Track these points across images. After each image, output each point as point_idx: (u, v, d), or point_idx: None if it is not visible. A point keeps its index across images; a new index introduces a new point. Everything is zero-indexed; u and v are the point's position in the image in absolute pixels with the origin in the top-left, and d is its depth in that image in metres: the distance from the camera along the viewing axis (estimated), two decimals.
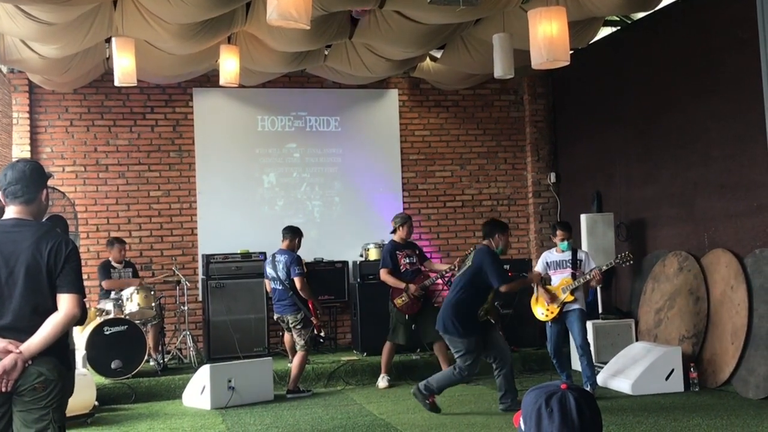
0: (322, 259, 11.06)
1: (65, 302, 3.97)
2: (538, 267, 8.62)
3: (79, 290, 4.04)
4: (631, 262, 8.51)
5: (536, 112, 12.21)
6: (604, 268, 8.50)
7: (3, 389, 3.82)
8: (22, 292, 3.95)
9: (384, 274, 9.26)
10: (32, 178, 4.14)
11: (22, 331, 3.93)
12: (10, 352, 3.83)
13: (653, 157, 9.93)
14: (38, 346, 3.89)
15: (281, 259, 8.94)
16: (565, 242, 8.49)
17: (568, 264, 8.42)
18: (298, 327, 8.82)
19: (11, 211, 4.11)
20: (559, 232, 8.57)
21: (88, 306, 9.69)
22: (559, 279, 8.38)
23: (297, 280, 8.74)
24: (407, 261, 9.25)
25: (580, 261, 8.44)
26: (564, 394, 1.99)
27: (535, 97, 12.22)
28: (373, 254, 10.82)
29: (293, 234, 9.10)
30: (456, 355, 7.68)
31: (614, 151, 10.71)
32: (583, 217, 10.24)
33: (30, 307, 3.96)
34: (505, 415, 7.60)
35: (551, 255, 8.59)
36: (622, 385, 8.41)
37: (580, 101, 11.64)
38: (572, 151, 11.87)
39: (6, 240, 4.02)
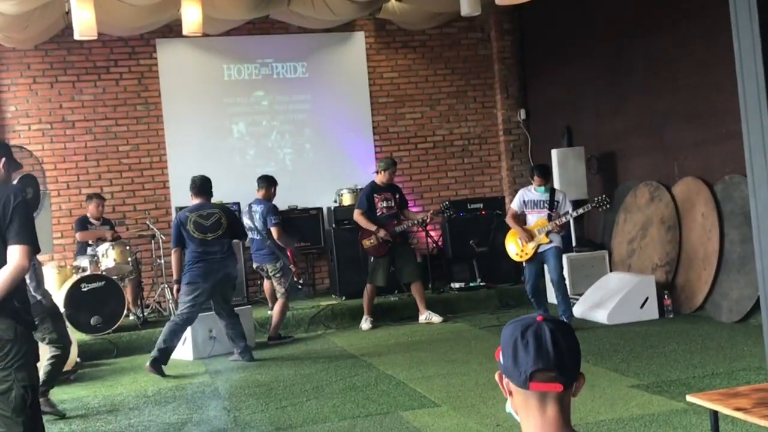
0: (297, 206, 11.05)
1: (13, 254, 3.91)
2: (514, 204, 8.63)
3: (28, 241, 3.96)
4: (608, 206, 8.55)
5: (504, 48, 12.15)
6: (581, 211, 8.54)
7: None
8: None
9: (357, 215, 9.29)
10: None
11: None
12: None
13: (621, 89, 9.95)
14: None
15: (257, 209, 8.92)
16: (542, 187, 8.49)
17: (545, 204, 8.42)
18: (278, 275, 8.85)
19: None
20: (536, 178, 8.50)
21: (63, 264, 9.67)
22: (536, 219, 8.40)
23: (274, 230, 8.74)
24: (384, 204, 9.28)
25: (557, 202, 8.45)
26: (539, 326, 2.01)
27: (503, 33, 12.15)
28: (347, 199, 10.83)
29: (268, 183, 9.07)
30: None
31: (583, 84, 10.72)
32: (554, 152, 10.29)
33: None
34: (485, 350, 7.71)
35: (528, 193, 8.57)
36: (598, 315, 8.55)
37: (547, 36, 11.59)
38: (541, 87, 11.86)
39: None
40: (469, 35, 12.19)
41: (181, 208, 10.36)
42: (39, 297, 6.13)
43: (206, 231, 7.82)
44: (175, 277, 8.02)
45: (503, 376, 2.07)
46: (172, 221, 8.88)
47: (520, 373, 1.98)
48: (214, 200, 10.46)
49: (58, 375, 6.51)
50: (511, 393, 2.06)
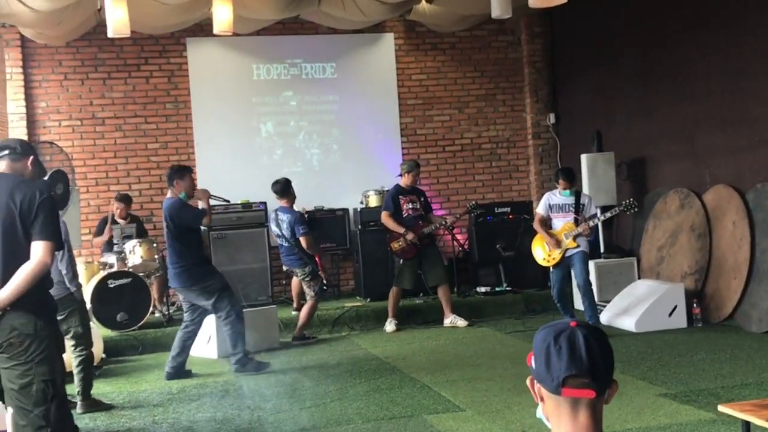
0: (323, 207, 11.04)
1: (36, 250, 3.95)
2: (540, 209, 8.57)
3: (51, 238, 4.00)
4: (636, 209, 8.47)
5: (534, 52, 12.07)
6: (609, 214, 8.46)
7: None
8: (1, 243, 3.95)
9: (384, 217, 9.27)
10: (22, 143, 4.31)
11: (0, 281, 3.93)
12: None
13: (653, 94, 9.85)
14: (10, 295, 3.88)
15: (284, 218, 8.85)
16: (567, 191, 8.41)
17: (571, 208, 8.36)
18: (307, 279, 8.84)
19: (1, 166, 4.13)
20: (561, 181, 8.42)
21: (91, 260, 9.73)
22: (562, 223, 8.34)
23: (303, 240, 8.68)
24: (410, 206, 9.26)
25: (583, 205, 8.38)
26: (573, 332, 1.98)
27: (533, 36, 12.08)
28: (374, 201, 10.80)
29: (286, 189, 8.90)
30: (213, 303, 7.53)
31: (614, 89, 10.63)
32: (583, 157, 10.20)
33: (6, 257, 3.95)
34: (511, 356, 7.65)
35: (554, 197, 8.52)
36: (626, 323, 8.45)
37: (578, 40, 11.51)
38: (571, 91, 11.77)
39: None
40: (500, 38, 12.13)
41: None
42: (73, 289, 6.17)
43: None
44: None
45: (535, 381, 2.04)
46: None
47: (553, 378, 1.95)
48: (240, 200, 10.56)
49: (92, 376, 6.54)
50: (542, 399, 2.03)
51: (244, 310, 8.94)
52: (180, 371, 7.49)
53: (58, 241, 4.10)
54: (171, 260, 7.56)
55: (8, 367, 3.96)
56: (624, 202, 8.43)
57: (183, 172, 7.68)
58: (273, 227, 9.03)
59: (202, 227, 8.11)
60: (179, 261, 7.46)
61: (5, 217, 3.97)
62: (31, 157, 4.31)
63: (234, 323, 7.48)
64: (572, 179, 8.51)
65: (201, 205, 7.62)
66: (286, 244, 8.87)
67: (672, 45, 9.42)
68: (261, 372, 7.43)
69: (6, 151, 4.19)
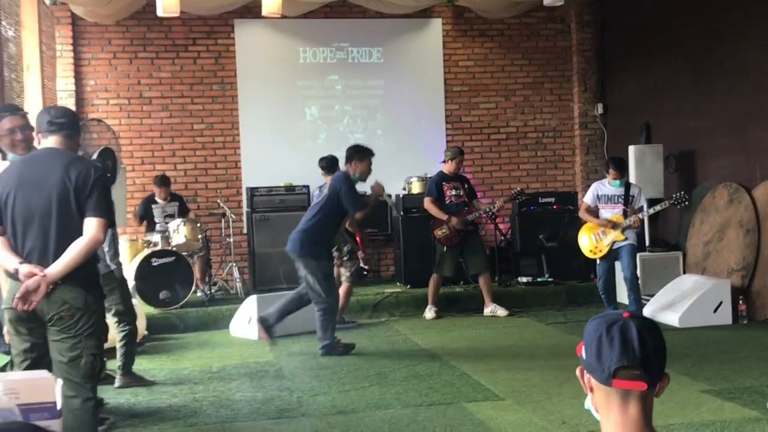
0: (365, 192, 10.99)
1: (89, 226, 4.01)
2: (588, 198, 8.45)
3: (105, 215, 4.06)
4: (687, 203, 8.31)
5: (584, 41, 11.92)
6: (658, 208, 8.32)
7: (23, 308, 3.88)
8: (53, 217, 4.02)
9: (427, 203, 9.24)
10: (75, 119, 4.34)
11: (51, 255, 3.99)
12: (35, 275, 3.89)
13: (704, 86, 9.68)
14: (62, 269, 3.94)
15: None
16: (617, 181, 8.28)
17: (620, 199, 8.22)
18: (344, 259, 8.84)
19: (49, 142, 4.18)
20: (611, 171, 8.27)
21: (135, 238, 9.83)
22: (609, 214, 8.22)
23: None
24: (453, 193, 9.21)
25: (633, 197, 8.24)
26: (626, 323, 1.95)
27: (583, 25, 11.92)
28: (416, 187, 10.76)
29: (332, 166, 8.98)
30: (313, 283, 7.45)
31: (664, 80, 10.46)
32: (631, 149, 10.06)
33: (60, 232, 4.01)
34: (551, 347, 7.59)
35: (602, 187, 8.38)
36: (670, 318, 8.33)
37: (629, 29, 11.33)
38: (621, 82, 11.61)
39: (39, 167, 4.09)
40: (549, 26, 11.99)
41: (252, 189, 10.47)
42: (113, 267, 6.23)
43: None
44: None
45: (584, 371, 2.00)
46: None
47: (604, 369, 1.92)
48: (283, 183, 10.58)
49: (134, 351, 6.61)
50: (592, 389, 2.00)
51: (284, 292, 9.03)
52: (271, 320, 7.63)
53: (111, 219, 4.17)
54: (301, 224, 7.58)
55: (58, 340, 4.03)
56: (674, 196, 8.27)
57: (364, 154, 7.70)
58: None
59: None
60: (308, 230, 7.47)
61: (60, 193, 4.02)
62: (81, 135, 4.37)
63: (326, 312, 7.44)
64: (623, 169, 8.37)
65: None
66: None
67: (726, 36, 9.23)
68: (347, 354, 7.43)
69: (63, 128, 4.19)
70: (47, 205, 4.00)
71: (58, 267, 3.93)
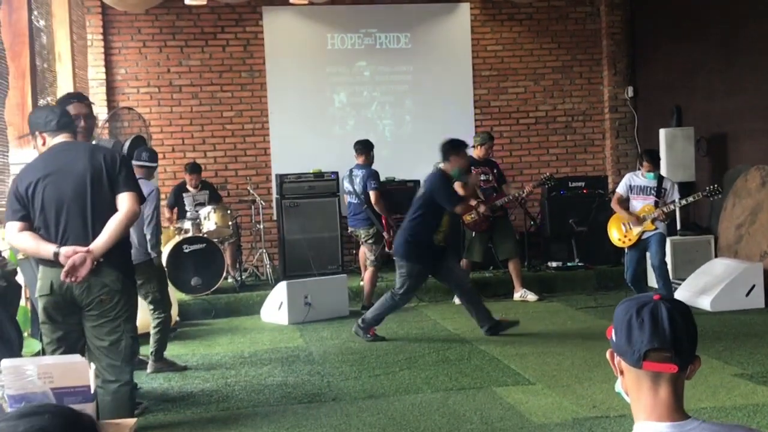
0: (394, 178, 11.02)
1: (124, 200, 4.13)
2: (620, 189, 8.33)
3: (137, 189, 4.21)
4: (720, 195, 8.19)
5: (613, 23, 11.81)
6: (691, 199, 8.18)
7: (71, 281, 3.94)
8: (87, 199, 4.11)
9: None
10: (68, 117, 4.40)
11: (90, 236, 4.07)
12: (78, 253, 3.95)
13: (736, 68, 9.56)
14: (105, 243, 4.03)
15: (358, 173, 8.97)
16: (651, 174, 8.18)
17: (653, 191, 8.12)
18: (370, 242, 8.88)
19: (60, 137, 4.26)
20: (645, 164, 8.17)
21: (167, 225, 9.93)
22: (641, 205, 8.14)
23: (372, 194, 8.78)
24: (482, 178, 9.18)
25: (665, 190, 8.14)
26: (656, 305, 1.94)
27: (612, 8, 11.81)
28: None
29: (367, 147, 9.10)
30: (399, 278, 7.37)
31: (695, 63, 10.34)
32: (662, 132, 9.98)
33: (96, 213, 4.10)
34: (581, 331, 7.58)
35: (636, 179, 8.27)
36: (702, 302, 8.27)
37: (659, 11, 11.21)
38: (651, 64, 11.49)
39: (63, 157, 4.19)
40: (578, 9, 11.90)
41: (281, 176, 10.52)
42: (153, 255, 6.30)
43: None
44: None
45: (614, 354, 2.00)
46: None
47: (634, 351, 1.91)
48: (312, 169, 10.62)
49: (167, 339, 6.70)
50: (622, 372, 2.00)
51: (314, 278, 9.08)
52: (493, 322, 7.43)
53: (142, 195, 4.26)
54: (404, 227, 7.49)
55: (97, 325, 4.10)
56: (708, 188, 8.11)
57: (460, 147, 7.58)
58: (346, 184, 9.14)
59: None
60: (410, 232, 7.37)
61: (93, 174, 4.12)
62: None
63: (395, 304, 7.39)
64: (657, 162, 8.29)
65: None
66: (355, 201, 8.92)
67: (758, 18, 9.10)
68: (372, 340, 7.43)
69: (69, 125, 4.32)
70: (81, 189, 4.08)
71: (100, 241, 4.02)
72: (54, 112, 4.33)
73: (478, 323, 7.49)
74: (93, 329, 4.11)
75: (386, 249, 8.95)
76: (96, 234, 4.03)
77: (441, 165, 7.54)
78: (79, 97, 4.67)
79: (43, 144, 4.25)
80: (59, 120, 4.25)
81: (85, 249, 3.97)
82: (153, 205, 6.23)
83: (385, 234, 8.86)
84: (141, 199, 4.26)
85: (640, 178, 8.23)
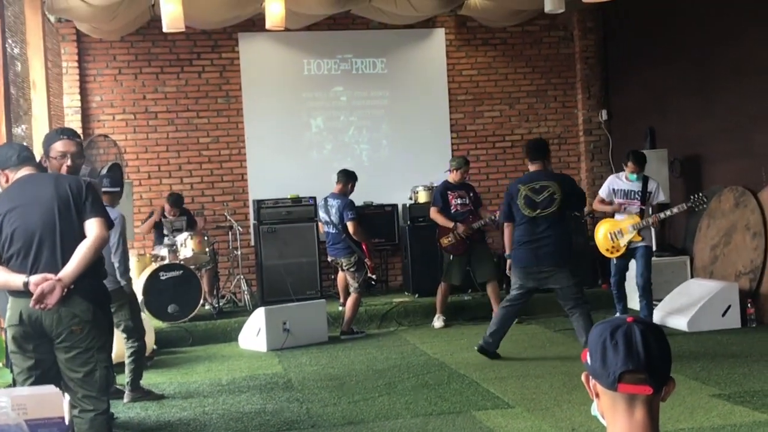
0: (372, 202, 11.04)
1: (92, 227, 4.12)
2: (602, 191, 8.26)
3: (104, 215, 4.21)
4: (706, 205, 8.10)
5: (587, 48, 11.94)
6: (676, 210, 8.05)
7: (40, 308, 3.92)
8: (56, 229, 4.10)
9: (433, 213, 9.24)
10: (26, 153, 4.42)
11: (60, 265, 4.06)
12: (48, 280, 3.93)
13: (708, 91, 9.68)
14: (74, 271, 4.00)
15: (333, 203, 8.91)
16: (635, 175, 8.09)
17: (637, 195, 8.05)
18: (352, 270, 8.85)
19: (23, 171, 4.28)
20: (630, 164, 8.07)
21: (143, 252, 9.87)
22: (623, 216, 8.10)
23: (350, 225, 8.73)
24: (458, 202, 9.21)
25: (650, 193, 8.06)
26: (630, 327, 1.96)
27: (586, 32, 11.94)
28: (423, 197, 10.78)
29: (347, 178, 9.05)
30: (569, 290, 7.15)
31: (668, 85, 10.47)
32: None
33: (65, 243, 4.09)
34: (560, 353, 7.59)
35: (619, 182, 8.19)
36: (678, 322, 8.32)
37: (631, 35, 11.35)
38: (624, 88, 11.62)
39: (29, 188, 4.19)
40: (551, 33, 12.02)
41: (259, 201, 10.51)
42: (123, 282, 6.25)
43: (536, 207, 7.21)
44: (507, 251, 7.58)
45: (590, 377, 2.01)
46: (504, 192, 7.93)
47: (609, 374, 1.93)
48: (290, 194, 10.61)
49: (142, 367, 6.64)
50: (598, 395, 2.01)
51: (293, 303, 9.05)
52: (491, 348, 7.38)
53: (110, 220, 4.30)
54: (549, 236, 7.14)
55: (70, 357, 4.06)
56: (692, 197, 8.00)
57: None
58: (322, 214, 9.06)
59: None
60: (557, 240, 7.14)
61: (60, 204, 4.11)
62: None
63: (585, 313, 7.10)
64: (642, 163, 8.14)
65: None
66: (333, 231, 8.88)
67: (730, 40, 9.24)
68: None
69: (31, 159, 4.36)
70: (49, 219, 4.07)
71: (69, 269, 3.99)
72: (13, 148, 4.38)
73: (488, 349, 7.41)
74: (66, 361, 4.07)
75: (368, 275, 8.93)
76: (66, 262, 4.01)
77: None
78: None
79: (7, 181, 4.26)
80: (19, 155, 4.29)
81: (55, 277, 3.94)
82: (118, 232, 6.16)
83: (367, 261, 8.83)
84: (110, 224, 4.24)
85: (623, 181, 8.17)
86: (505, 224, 7.47)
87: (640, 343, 1.93)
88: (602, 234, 8.25)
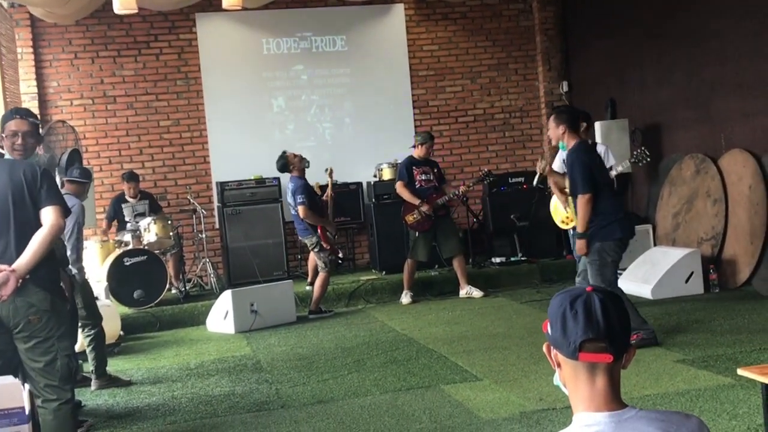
0: (336, 181, 10.98)
1: (48, 215, 4.05)
2: (555, 164, 7.92)
3: (60, 202, 4.13)
4: (648, 159, 8.02)
5: (546, 20, 11.95)
6: (620, 169, 7.82)
7: None
8: (10, 217, 4.04)
9: (400, 187, 9.24)
10: None
11: (14, 254, 4.00)
12: (1, 271, 3.88)
13: (667, 60, 9.75)
14: (29, 261, 3.94)
15: (290, 186, 8.87)
16: (562, 143, 7.03)
17: None
18: (316, 250, 8.83)
19: None
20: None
21: (106, 238, 9.76)
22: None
23: (300, 210, 8.63)
24: (423, 177, 9.22)
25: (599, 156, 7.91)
26: (589, 296, 1.96)
27: (545, 4, 11.94)
28: (387, 174, 10.76)
29: (283, 162, 8.92)
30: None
31: (627, 56, 10.52)
32: (597, 125, 10.09)
33: (19, 231, 4.03)
34: (526, 325, 7.65)
35: (562, 152, 8.10)
36: (642, 290, 8.41)
37: (590, 6, 11.39)
38: (584, 59, 11.67)
39: None
40: (511, 6, 12.01)
41: (222, 183, 10.43)
42: (74, 271, 6.15)
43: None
44: (583, 229, 6.36)
45: (551, 347, 2.02)
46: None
47: (569, 343, 1.93)
48: (253, 175, 10.54)
49: (104, 353, 6.56)
50: (559, 365, 2.01)
51: (260, 285, 9.01)
52: (650, 334, 6.41)
53: (67, 207, 4.22)
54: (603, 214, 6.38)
55: (30, 347, 4.01)
56: (634, 153, 7.91)
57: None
58: (288, 196, 9.01)
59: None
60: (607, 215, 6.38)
61: (14, 192, 4.05)
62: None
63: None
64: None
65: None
66: (293, 212, 8.84)
67: (685, 9, 9.30)
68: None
69: None
70: (3, 208, 4.01)
71: (24, 259, 3.94)
72: None
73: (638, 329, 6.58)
74: (26, 351, 4.02)
75: (331, 256, 8.89)
76: (21, 252, 3.95)
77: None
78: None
79: None
80: None
81: (9, 268, 3.88)
82: (74, 220, 6.06)
83: (324, 244, 8.77)
84: (66, 212, 4.18)
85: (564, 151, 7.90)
86: (589, 196, 6.30)
87: (599, 312, 1.94)
88: (553, 205, 8.27)
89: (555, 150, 7.30)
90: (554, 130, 6.56)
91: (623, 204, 6.83)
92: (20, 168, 4.12)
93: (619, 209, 6.62)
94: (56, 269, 4.24)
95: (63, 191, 6.19)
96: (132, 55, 10.96)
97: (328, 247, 8.81)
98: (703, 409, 4.72)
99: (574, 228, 7.58)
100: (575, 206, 6.50)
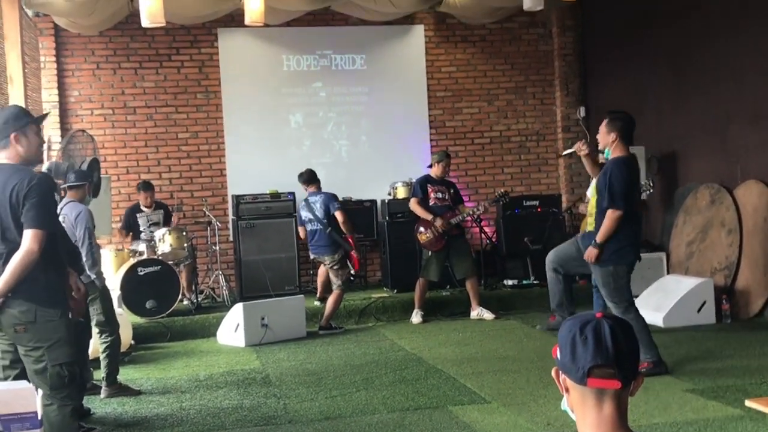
0: (351, 198, 11.06)
1: (25, 239, 3.98)
2: (590, 192, 7.46)
3: (39, 225, 4.00)
4: (652, 191, 7.91)
5: (565, 45, 12.00)
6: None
7: None
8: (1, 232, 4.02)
9: (413, 204, 9.26)
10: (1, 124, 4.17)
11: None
12: None
13: (685, 89, 9.76)
14: (3, 287, 3.96)
15: (316, 199, 8.88)
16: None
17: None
18: (335, 267, 8.83)
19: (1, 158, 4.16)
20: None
21: (121, 247, 9.82)
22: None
23: (339, 214, 8.71)
24: (437, 196, 9.24)
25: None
26: (599, 323, 1.98)
27: (564, 29, 12.00)
28: (401, 192, 10.80)
29: (311, 175, 9.05)
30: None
31: (645, 82, 10.54)
32: None
33: (11, 247, 4.02)
34: (537, 349, 7.64)
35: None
36: (654, 318, 8.36)
37: (610, 33, 11.42)
38: (602, 85, 11.69)
39: None
40: (530, 31, 12.07)
41: (237, 196, 10.49)
42: (93, 277, 6.21)
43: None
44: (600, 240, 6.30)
45: (560, 372, 2.04)
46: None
47: (578, 368, 1.95)
48: (269, 190, 10.60)
49: (117, 362, 6.59)
50: (567, 390, 2.04)
51: (271, 299, 9.04)
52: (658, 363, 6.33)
53: (49, 227, 4.11)
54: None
55: (23, 354, 4.08)
56: (642, 183, 7.60)
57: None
58: (304, 214, 8.98)
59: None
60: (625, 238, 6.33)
61: (2, 209, 4.04)
62: (14, 135, 4.17)
63: (634, 319, 6.23)
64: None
65: None
66: (318, 227, 8.83)
67: (705, 39, 9.32)
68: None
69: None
70: None
71: (0, 284, 3.98)
72: None
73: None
74: (23, 356, 4.09)
75: (352, 272, 8.94)
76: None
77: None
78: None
79: None
80: None
81: None
82: (83, 226, 6.12)
83: (354, 253, 8.84)
84: (47, 232, 4.05)
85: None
86: (620, 213, 6.18)
87: (609, 338, 1.96)
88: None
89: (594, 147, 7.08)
90: (605, 136, 6.36)
91: (641, 230, 6.75)
92: (12, 182, 4.03)
93: (638, 234, 6.61)
94: (47, 276, 4.12)
95: (67, 199, 6.28)
96: (153, 67, 11.07)
97: (356, 256, 8.82)
98: None
99: (584, 233, 7.36)
100: (597, 214, 6.43)
